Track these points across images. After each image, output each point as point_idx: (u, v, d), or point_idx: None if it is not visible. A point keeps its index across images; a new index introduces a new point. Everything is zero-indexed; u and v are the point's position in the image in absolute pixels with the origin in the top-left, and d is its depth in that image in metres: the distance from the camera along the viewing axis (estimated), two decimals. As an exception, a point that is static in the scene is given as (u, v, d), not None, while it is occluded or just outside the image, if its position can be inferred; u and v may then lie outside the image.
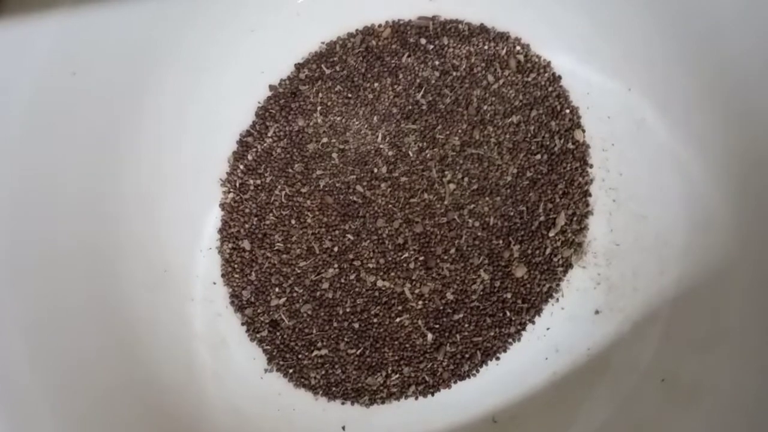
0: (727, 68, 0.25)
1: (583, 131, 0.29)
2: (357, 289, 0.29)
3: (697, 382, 0.25)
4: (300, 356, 0.29)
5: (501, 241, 0.29)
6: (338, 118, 0.30)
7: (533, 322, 0.29)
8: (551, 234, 0.29)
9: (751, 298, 0.25)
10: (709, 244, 0.26)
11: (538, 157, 0.29)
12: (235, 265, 0.29)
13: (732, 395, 0.24)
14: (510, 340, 0.29)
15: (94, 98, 0.27)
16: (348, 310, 0.29)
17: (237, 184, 0.30)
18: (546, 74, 0.29)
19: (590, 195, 0.29)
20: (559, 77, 0.29)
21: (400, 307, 0.28)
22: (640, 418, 0.26)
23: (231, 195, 0.30)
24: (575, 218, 0.29)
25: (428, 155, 0.29)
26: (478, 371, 0.29)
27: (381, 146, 0.29)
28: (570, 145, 0.29)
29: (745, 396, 0.24)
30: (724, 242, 0.26)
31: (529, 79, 0.29)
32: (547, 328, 0.29)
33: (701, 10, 0.25)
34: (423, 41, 0.30)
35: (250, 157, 0.30)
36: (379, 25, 0.30)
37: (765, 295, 0.25)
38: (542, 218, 0.29)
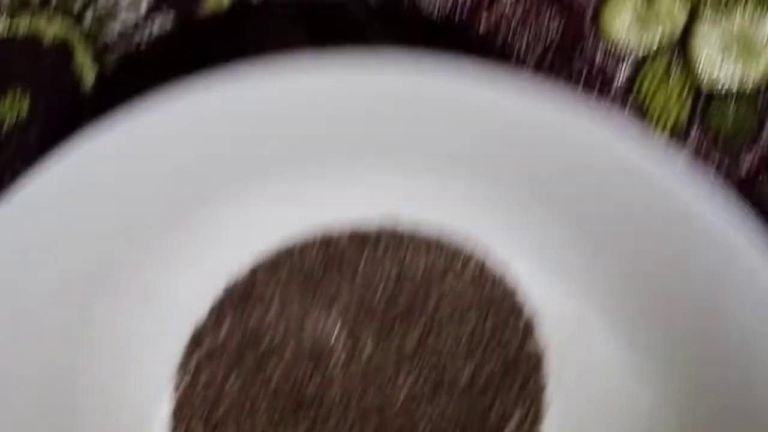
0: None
1: (538, 340, 0.29)
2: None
3: None
4: None
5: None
6: (294, 316, 0.30)
7: None
8: None
9: None
10: None
11: (493, 364, 0.29)
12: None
13: None
14: None
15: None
16: None
17: (191, 374, 0.30)
18: (501, 287, 0.30)
19: (544, 401, 0.29)
20: (515, 290, 0.30)
21: None
22: None
23: (183, 384, 0.30)
24: (527, 423, 0.29)
25: (384, 357, 0.29)
26: None
27: (336, 345, 0.29)
28: (524, 355, 0.29)
29: None
30: None
31: (485, 290, 0.30)
32: None
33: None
34: (380, 250, 0.30)
35: (204, 348, 0.30)
36: (339, 233, 0.31)
37: None
38: (495, 424, 0.29)
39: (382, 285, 0.30)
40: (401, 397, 0.29)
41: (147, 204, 0.27)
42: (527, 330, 0.29)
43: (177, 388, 0.30)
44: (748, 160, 0.31)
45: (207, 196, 0.29)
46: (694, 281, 0.25)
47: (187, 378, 0.30)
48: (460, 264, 0.30)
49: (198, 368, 0.30)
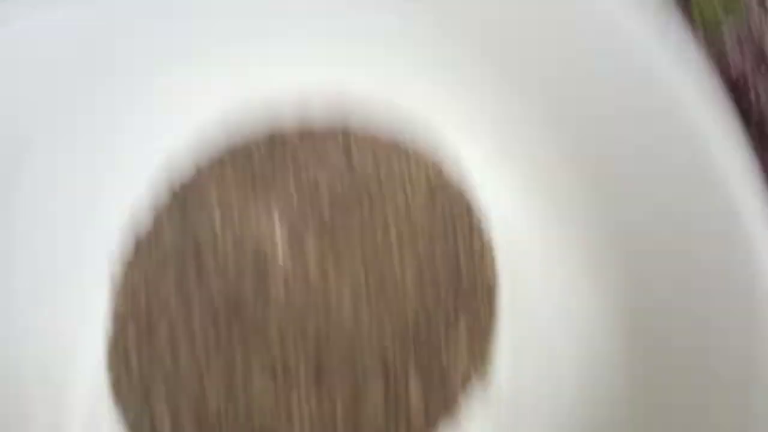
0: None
1: (494, 262, 0.27)
2: (242, 400, 0.27)
3: None
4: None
5: (399, 368, 0.27)
6: (237, 222, 0.28)
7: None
8: (453, 368, 0.27)
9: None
10: (604, 384, 0.24)
11: (444, 288, 0.27)
12: (120, 356, 0.28)
13: None
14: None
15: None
16: (232, 420, 0.27)
17: (129, 274, 0.29)
18: (459, 203, 0.28)
19: (496, 331, 0.27)
20: (465, 187, 0.28)
21: (286, 422, 0.27)
22: None
23: (121, 284, 0.29)
24: (479, 354, 0.27)
25: (329, 268, 0.27)
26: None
27: (280, 253, 0.28)
28: (479, 280, 0.27)
29: None
30: (618, 383, 0.24)
31: (441, 205, 0.28)
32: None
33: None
34: (333, 154, 0.28)
35: (142, 253, 0.29)
36: (287, 130, 0.29)
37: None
38: (444, 354, 0.27)
39: (329, 184, 0.28)
40: (344, 301, 0.27)
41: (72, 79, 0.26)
42: (476, 229, 0.27)
43: (114, 288, 0.29)
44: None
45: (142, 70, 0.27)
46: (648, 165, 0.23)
47: (125, 278, 0.29)
48: (416, 177, 0.28)
49: (136, 268, 0.28)
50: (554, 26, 0.26)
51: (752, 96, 0.28)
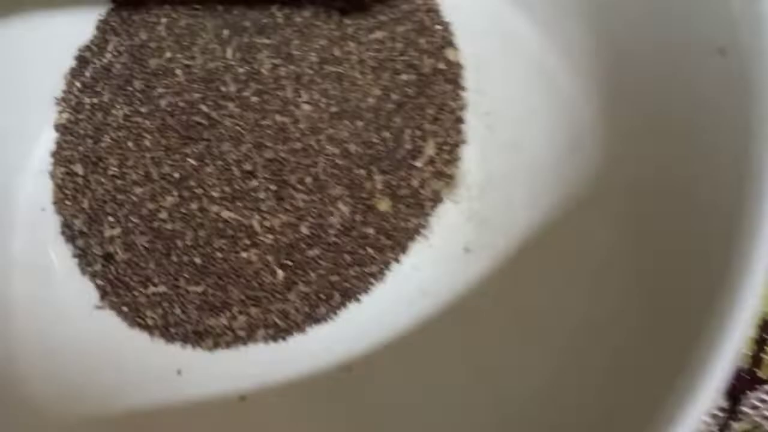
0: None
1: (456, 50, 0.26)
2: (199, 220, 0.26)
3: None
4: (135, 293, 0.26)
5: (363, 171, 0.26)
6: (185, 32, 0.27)
7: (398, 261, 0.26)
8: (419, 164, 0.26)
9: (622, 224, 0.22)
10: (581, 166, 0.23)
11: (405, 77, 0.26)
12: (68, 192, 0.26)
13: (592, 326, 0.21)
14: (372, 280, 0.26)
15: None
16: (189, 243, 0.26)
17: (73, 103, 0.27)
18: (422, 21, 0.26)
19: (463, 122, 0.26)
20: (437, 8, 0.26)
21: (247, 241, 0.26)
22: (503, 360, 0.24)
23: (65, 115, 0.27)
24: (446, 147, 0.26)
25: (283, 73, 0.26)
26: (335, 314, 0.26)
27: (231, 62, 0.26)
28: (441, 66, 0.26)
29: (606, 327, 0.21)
30: (596, 164, 0.23)
31: (404, 6, 0.26)
32: (414, 268, 0.26)
33: None
34: None
35: (87, 74, 0.27)
36: None
37: (635, 218, 0.22)
38: (409, 146, 0.26)
39: (286, 13, 0.26)
40: (301, 121, 0.26)
41: None
42: (443, 40, 0.26)
43: (58, 120, 0.27)
44: None
45: None
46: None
47: (69, 109, 0.27)
48: None
49: (81, 95, 0.27)
50: None
51: None
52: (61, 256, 0.26)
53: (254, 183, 0.26)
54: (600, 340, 0.21)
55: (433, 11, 0.26)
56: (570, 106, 0.24)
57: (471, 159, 0.26)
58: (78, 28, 0.27)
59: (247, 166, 0.26)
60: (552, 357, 0.22)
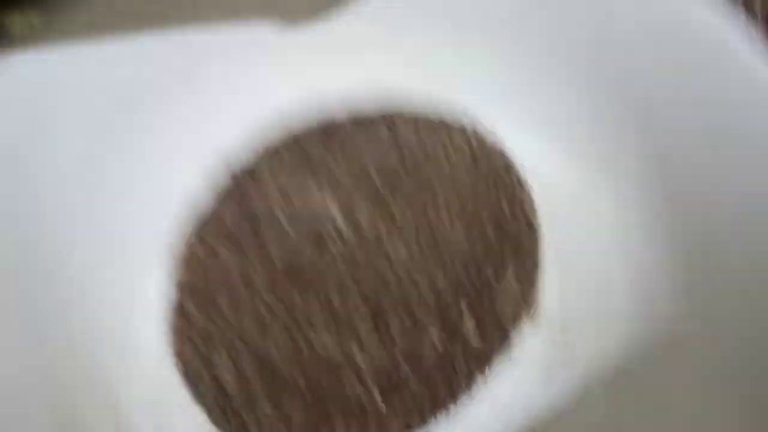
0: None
1: (534, 208, 0.31)
2: (304, 350, 0.29)
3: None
4: (245, 417, 0.28)
5: (450, 299, 0.30)
6: (294, 202, 0.31)
7: (485, 386, 0.29)
8: (505, 310, 0.30)
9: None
10: (653, 315, 0.27)
11: (491, 240, 0.31)
12: (183, 328, 0.29)
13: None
14: (461, 400, 0.29)
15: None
16: (294, 369, 0.28)
17: (189, 253, 0.31)
18: (500, 162, 0.31)
19: (542, 272, 0.31)
20: (511, 163, 0.31)
21: (348, 369, 0.28)
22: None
23: (182, 264, 0.31)
24: (527, 294, 0.30)
25: (383, 232, 0.31)
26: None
27: (336, 222, 0.31)
28: (522, 227, 0.31)
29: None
30: (668, 312, 0.27)
31: (483, 167, 0.31)
32: (499, 393, 0.29)
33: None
34: (380, 134, 0.32)
35: (206, 232, 0.31)
36: (339, 117, 0.33)
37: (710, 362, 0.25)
38: (496, 298, 0.30)
39: (377, 160, 0.31)
40: (398, 257, 0.30)
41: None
42: (515, 183, 0.31)
43: (176, 261, 0.30)
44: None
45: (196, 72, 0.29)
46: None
47: (188, 251, 0.31)
48: (457, 143, 0.32)
49: (198, 244, 0.31)
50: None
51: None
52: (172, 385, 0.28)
53: (353, 315, 0.29)
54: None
55: (519, 184, 0.31)
56: (642, 260, 0.27)
57: (548, 297, 0.30)
58: (193, 184, 0.32)
59: (348, 301, 0.29)
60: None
